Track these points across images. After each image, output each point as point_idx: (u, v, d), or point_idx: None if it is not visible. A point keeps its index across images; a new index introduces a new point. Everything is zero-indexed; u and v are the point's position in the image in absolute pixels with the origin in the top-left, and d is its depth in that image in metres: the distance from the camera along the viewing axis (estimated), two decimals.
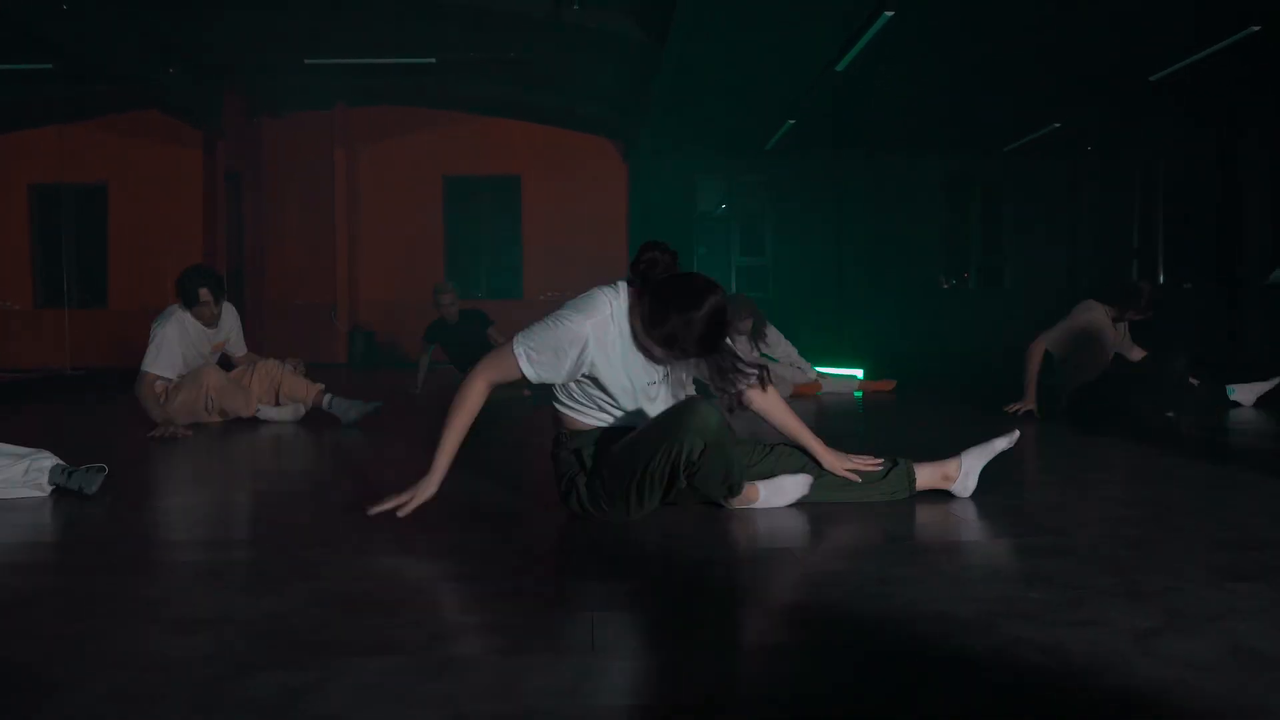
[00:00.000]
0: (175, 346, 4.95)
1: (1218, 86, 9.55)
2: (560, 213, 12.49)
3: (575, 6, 7.20)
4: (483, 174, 12.66)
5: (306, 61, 9.88)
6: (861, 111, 10.47)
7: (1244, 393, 5.57)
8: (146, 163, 11.46)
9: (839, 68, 8.57)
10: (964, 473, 2.80)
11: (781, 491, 2.70)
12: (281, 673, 1.44)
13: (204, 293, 4.96)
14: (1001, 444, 2.82)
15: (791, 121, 10.64)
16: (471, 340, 7.05)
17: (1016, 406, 5.12)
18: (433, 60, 9.79)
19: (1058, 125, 11.03)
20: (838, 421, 5.41)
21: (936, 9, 7.44)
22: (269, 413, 5.26)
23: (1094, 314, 5.14)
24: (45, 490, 3.01)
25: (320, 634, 1.63)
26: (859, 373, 7.54)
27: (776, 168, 12.72)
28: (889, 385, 7.26)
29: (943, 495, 2.82)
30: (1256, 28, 7.71)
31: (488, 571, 2.10)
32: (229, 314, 5.30)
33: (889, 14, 7.32)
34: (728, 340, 2.53)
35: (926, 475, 2.80)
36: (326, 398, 5.17)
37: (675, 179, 12.58)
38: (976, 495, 2.80)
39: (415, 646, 1.56)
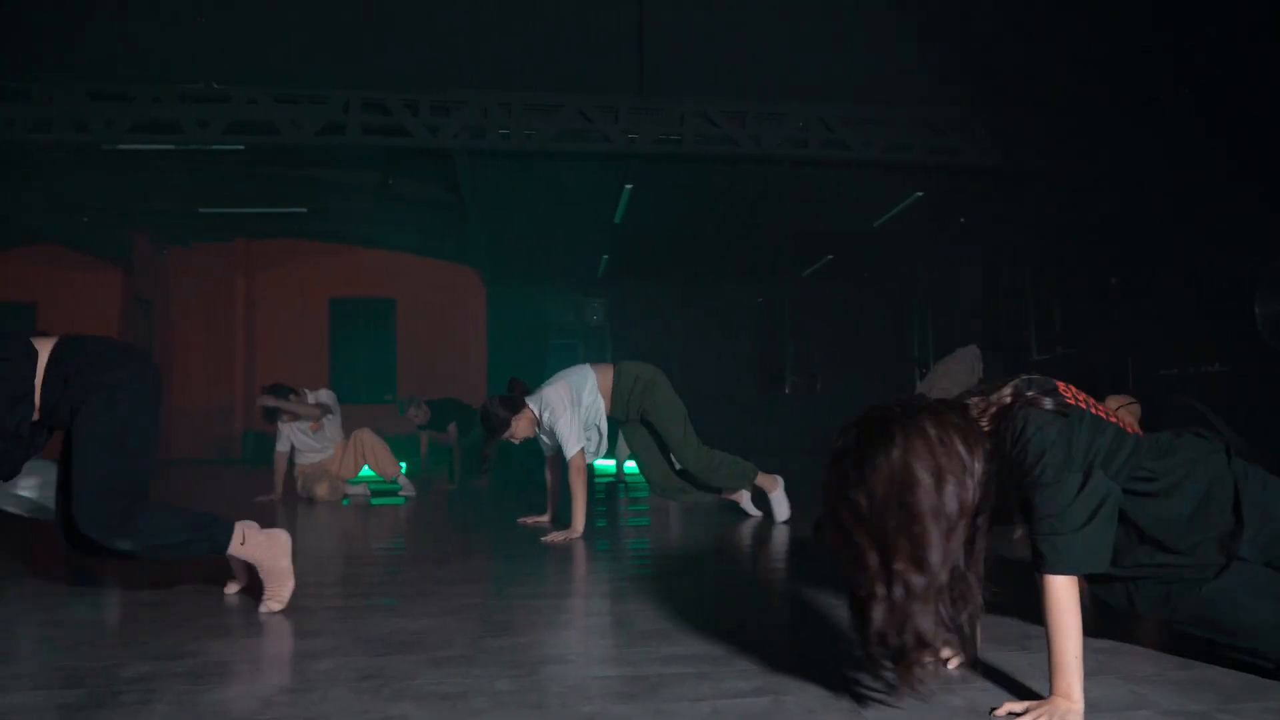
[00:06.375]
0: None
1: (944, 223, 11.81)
2: (429, 329, 14.59)
3: (390, 181, 9.40)
4: (364, 295, 14.78)
5: (200, 211, 11.98)
6: (658, 250, 12.71)
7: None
8: (74, 284, 13.32)
9: (616, 221, 10.85)
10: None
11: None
12: None
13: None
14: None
15: (606, 256, 12.90)
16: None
17: None
18: (304, 210, 11.93)
19: (830, 256, 13.39)
20: None
21: (665, 185, 9.67)
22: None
23: None
24: None
25: None
26: None
27: (613, 289, 14.98)
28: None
29: None
30: (920, 193, 10.12)
31: None
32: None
33: (629, 187, 9.63)
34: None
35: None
36: None
37: (527, 300, 14.78)
38: None
39: None
